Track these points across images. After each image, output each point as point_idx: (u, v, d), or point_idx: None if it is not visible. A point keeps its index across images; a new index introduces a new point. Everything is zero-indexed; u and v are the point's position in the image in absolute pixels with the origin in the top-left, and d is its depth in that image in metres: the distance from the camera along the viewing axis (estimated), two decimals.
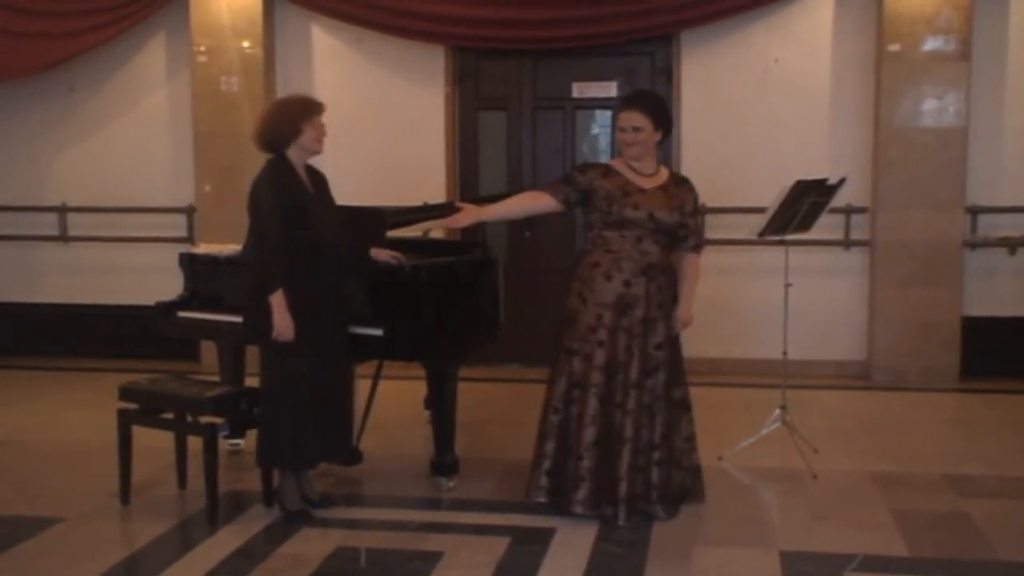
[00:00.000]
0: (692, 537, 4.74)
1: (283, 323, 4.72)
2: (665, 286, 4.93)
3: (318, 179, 5.03)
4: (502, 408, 7.06)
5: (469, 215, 5.12)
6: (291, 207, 4.77)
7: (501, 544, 4.64)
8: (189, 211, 8.59)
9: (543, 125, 8.31)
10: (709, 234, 7.86)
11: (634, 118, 4.87)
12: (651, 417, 4.90)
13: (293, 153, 4.88)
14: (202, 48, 8.29)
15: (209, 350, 7.19)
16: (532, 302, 7.67)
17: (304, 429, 4.86)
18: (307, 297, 4.78)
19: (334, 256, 4.92)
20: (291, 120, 4.86)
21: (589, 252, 4.94)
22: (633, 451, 4.86)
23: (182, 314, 5.78)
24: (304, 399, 4.84)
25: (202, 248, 6.34)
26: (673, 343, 4.99)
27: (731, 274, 7.80)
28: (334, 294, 4.96)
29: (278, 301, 4.70)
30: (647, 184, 4.91)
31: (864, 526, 4.87)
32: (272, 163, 4.89)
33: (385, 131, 8.36)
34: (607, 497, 4.85)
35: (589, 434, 4.83)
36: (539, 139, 8.34)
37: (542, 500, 4.96)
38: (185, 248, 6.69)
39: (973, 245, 7.75)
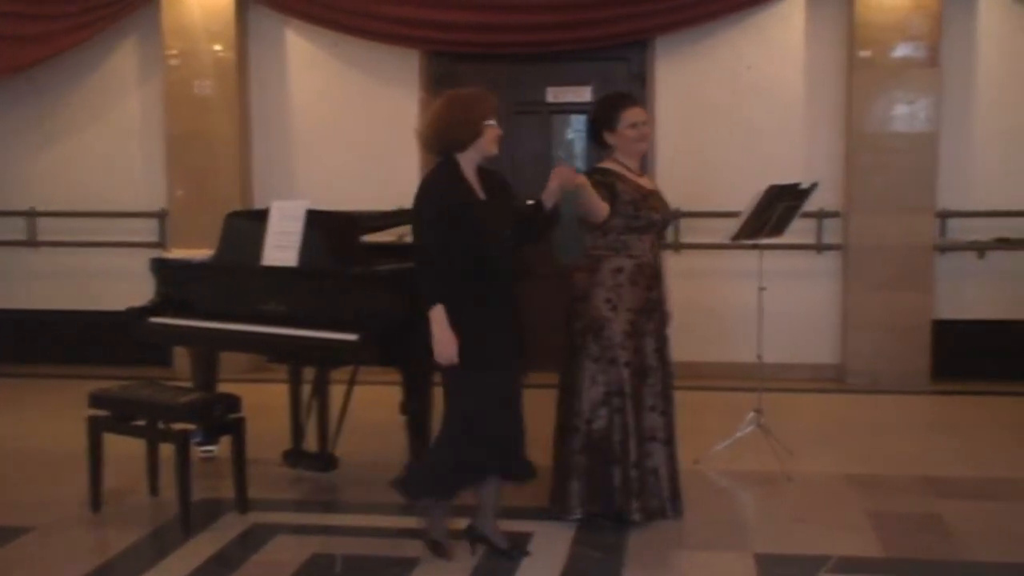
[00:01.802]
0: (669, 540, 4.74)
1: (444, 341, 4.28)
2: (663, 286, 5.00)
3: (493, 181, 4.51)
4: None
5: (565, 177, 4.53)
6: (458, 217, 4.30)
7: (478, 549, 4.62)
8: (161, 216, 8.54)
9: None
10: (684, 238, 7.90)
11: (643, 113, 4.90)
12: (672, 417, 4.97)
13: (465, 156, 4.39)
14: (174, 52, 8.25)
15: (182, 356, 7.15)
16: None
17: (477, 454, 4.48)
18: (481, 311, 4.35)
19: (504, 265, 4.44)
20: (472, 120, 4.34)
21: (606, 258, 4.82)
22: (669, 454, 4.91)
23: (154, 320, 5.72)
24: (483, 422, 4.44)
25: (174, 253, 6.31)
26: (668, 341, 5.03)
27: (706, 278, 7.82)
28: (508, 304, 4.46)
29: (438, 318, 4.28)
30: (648, 185, 4.93)
31: (839, 528, 4.89)
32: (440, 168, 4.42)
33: (360, 135, 8.34)
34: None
35: (635, 441, 4.81)
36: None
37: (578, 516, 4.83)
38: (157, 253, 6.66)
39: (943, 249, 7.81)
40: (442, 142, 4.39)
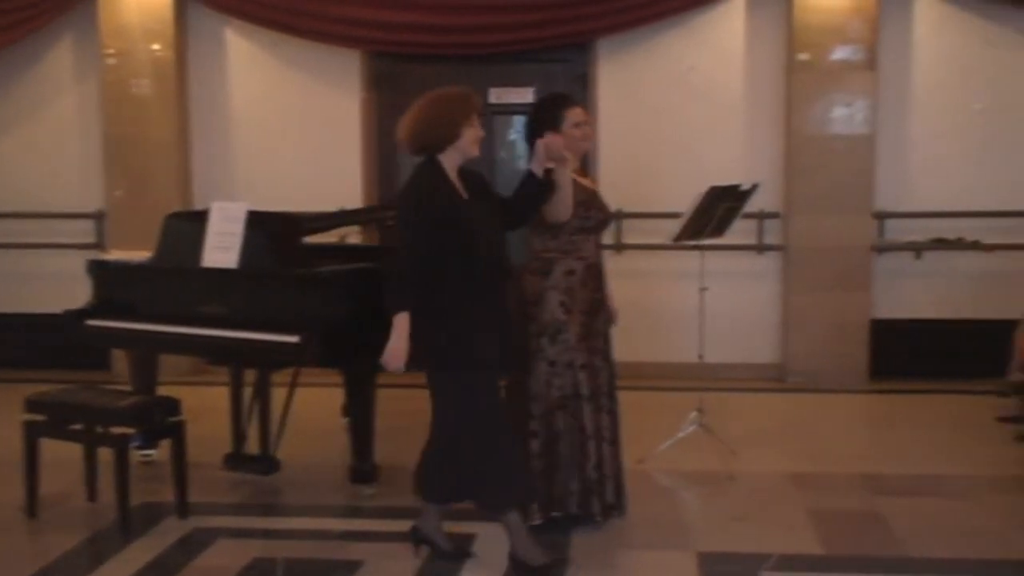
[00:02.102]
0: (612, 540, 4.76)
1: (398, 350, 4.21)
2: None
3: (474, 181, 4.46)
4: (421, 414, 6.99)
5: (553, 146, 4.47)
6: (442, 218, 4.21)
7: (421, 551, 4.60)
8: (98, 217, 8.42)
9: None
10: (626, 239, 7.93)
11: (585, 113, 4.90)
12: (616, 416, 4.99)
13: (447, 157, 4.32)
14: (111, 51, 8.14)
15: (120, 359, 7.06)
16: None
17: (519, 460, 4.44)
18: (471, 312, 4.25)
19: (492, 264, 4.35)
20: (451, 121, 4.28)
21: (558, 260, 4.78)
22: (614, 453, 4.91)
23: (92, 322, 5.64)
24: (497, 423, 4.37)
25: (112, 254, 6.23)
26: (611, 341, 5.04)
27: (648, 278, 7.86)
28: (497, 306, 4.39)
29: (401, 325, 4.19)
30: (590, 185, 4.93)
31: (780, 526, 4.94)
32: (421, 170, 4.31)
33: (301, 136, 8.29)
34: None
35: (594, 443, 4.80)
36: None
37: (538, 522, 4.71)
38: (95, 255, 6.57)
39: (881, 249, 7.91)
40: (422, 142, 4.31)
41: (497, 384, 4.44)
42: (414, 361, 4.28)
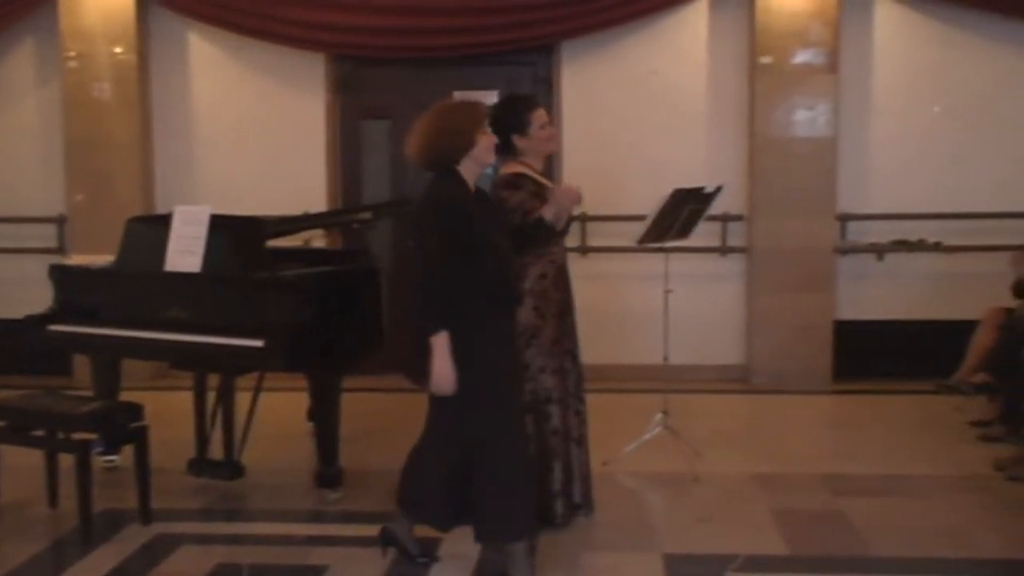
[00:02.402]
0: (578, 542, 4.77)
1: (446, 371, 4.02)
2: None
3: (482, 196, 4.32)
4: (386, 418, 7.01)
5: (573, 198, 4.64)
6: (470, 233, 4.06)
7: (388, 553, 4.59)
8: (60, 221, 8.35)
9: None
10: (590, 242, 7.95)
11: (546, 114, 4.89)
12: (584, 417, 5.00)
13: (464, 168, 4.15)
14: (73, 54, 8.08)
15: (83, 364, 7.00)
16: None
17: (531, 483, 4.31)
18: (503, 333, 4.18)
19: (512, 280, 4.31)
20: (464, 129, 4.14)
21: (532, 264, 4.76)
22: (581, 453, 4.93)
23: (53, 327, 5.59)
24: (522, 447, 4.29)
25: (74, 259, 6.18)
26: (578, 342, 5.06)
27: (612, 281, 7.89)
28: (511, 325, 4.33)
29: (441, 345, 4.01)
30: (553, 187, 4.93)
31: (745, 527, 4.96)
32: (444, 182, 4.14)
33: (265, 140, 8.25)
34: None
35: (564, 445, 4.81)
36: None
37: None
38: (56, 259, 6.51)
39: (844, 251, 7.97)
40: (436, 154, 4.14)
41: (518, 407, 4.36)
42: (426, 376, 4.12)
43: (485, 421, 4.14)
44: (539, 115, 4.81)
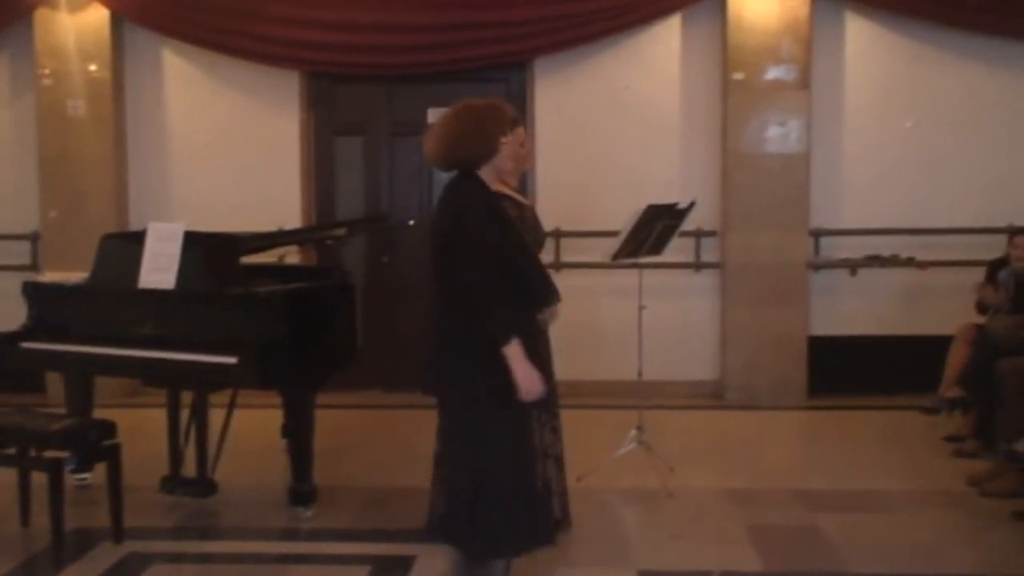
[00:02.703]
0: (553, 558, 4.73)
1: (530, 376, 3.73)
2: None
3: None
4: (361, 435, 7.00)
5: None
6: (506, 231, 3.86)
7: (361, 573, 4.59)
8: (33, 238, 8.31)
9: (400, 150, 8.30)
10: (564, 258, 7.96)
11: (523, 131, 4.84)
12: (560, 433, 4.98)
13: (484, 174, 3.93)
14: (47, 71, 8.06)
15: (56, 382, 6.96)
16: (391, 327, 7.65)
17: (532, 504, 3.97)
18: (529, 342, 3.84)
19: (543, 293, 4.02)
20: (488, 134, 3.91)
21: None
22: (559, 469, 4.91)
23: (26, 345, 5.56)
24: (531, 464, 4.02)
25: (48, 276, 6.15)
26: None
27: (586, 297, 7.89)
28: (536, 338, 4.07)
29: (516, 352, 3.70)
30: (528, 203, 4.92)
31: (719, 542, 4.97)
32: (469, 184, 3.90)
33: (239, 156, 8.24)
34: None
35: (541, 462, 4.73)
36: (396, 164, 8.32)
37: None
38: (30, 276, 6.48)
39: (817, 267, 8.01)
40: (458, 158, 3.92)
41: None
42: (438, 389, 3.93)
43: (506, 431, 3.87)
44: (519, 132, 4.76)
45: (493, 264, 3.74)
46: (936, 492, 5.74)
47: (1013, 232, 7.00)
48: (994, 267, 6.92)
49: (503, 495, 3.83)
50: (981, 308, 6.84)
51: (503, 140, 3.93)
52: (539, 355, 3.89)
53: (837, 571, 4.64)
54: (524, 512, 3.92)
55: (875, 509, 5.49)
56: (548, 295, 3.99)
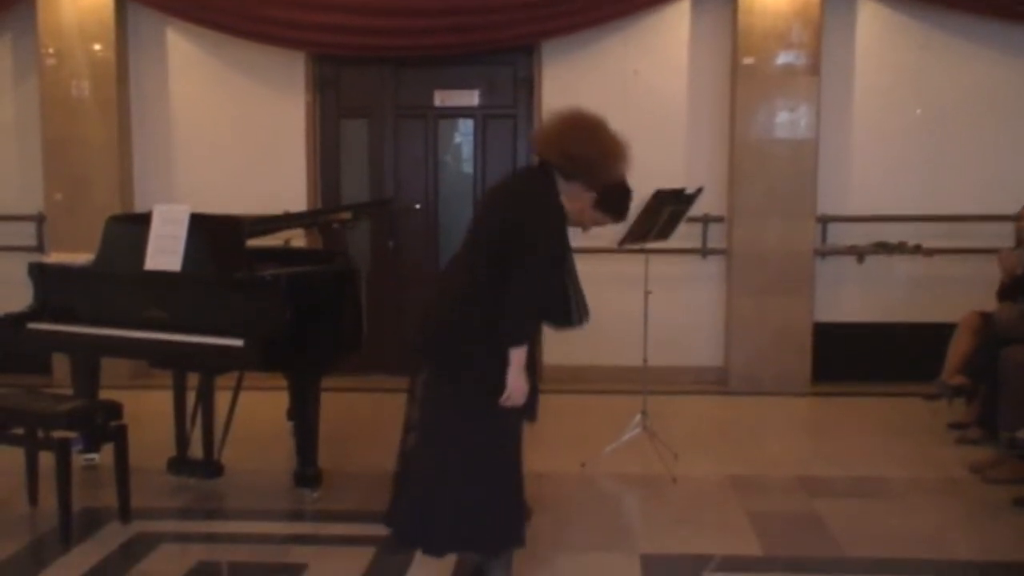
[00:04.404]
0: (555, 543, 4.77)
1: (519, 387, 3.76)
2: None
3: None
4: (366, 419, 7.01)
5: None
6: (567, 253, 3.92)
7: (366, 555, 4.60)
8: (39, 219, 8.32)
9: (405, 133, 8.30)
10: (571, 243, 7.93)
11: None
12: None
13: (560, 185, 3.87)
14: (51, 51, 8.04)
15: (62, 363, 6.97)
16: (396, 312, 7.67)
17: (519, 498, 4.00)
18: (531, 352, 3.86)
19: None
20: (609, 172, 3.90)
21: None
22: None
23: (32, 326, 5.57)
24: (518, 463, 3.99)
25: (53, 257, 6.15)
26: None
27: (592, 283, 7.71)
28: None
29: (519, 359, 3.73)
30: None
31: (721, 528, 4.99)
32: (544, 180, 3.84)
33: (244, 139, 8.24)
34: None
35: None
36: (401, 147, 8.32)
37: None
38: (35, 258, 6.49)
39: (824, 254, 8.00)
40: (565, 162, 3.85)
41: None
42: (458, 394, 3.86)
43: (502, 428, 3.90)
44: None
45: (550, 272, 3.76)
46: (938, 479, 5.75)
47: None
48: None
49: (508, 487, 3.90)
50: (1004, 290, 6.64)
51: (600, 184, 3.90)
52: (534, 364, 3.90)
53: (838, 557, 4.65)
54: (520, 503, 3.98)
55: (877, 496, 5.50)
56: (580, 316, 4.02)
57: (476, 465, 3.85)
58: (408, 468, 4.03)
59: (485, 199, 3.99)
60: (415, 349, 4.03)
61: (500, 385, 3.76)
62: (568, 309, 4.00)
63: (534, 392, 3.90)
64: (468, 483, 3.84)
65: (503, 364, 3.73)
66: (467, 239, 3.97)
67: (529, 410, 3.95)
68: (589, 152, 3.84)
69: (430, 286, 4.22)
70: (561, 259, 3.92)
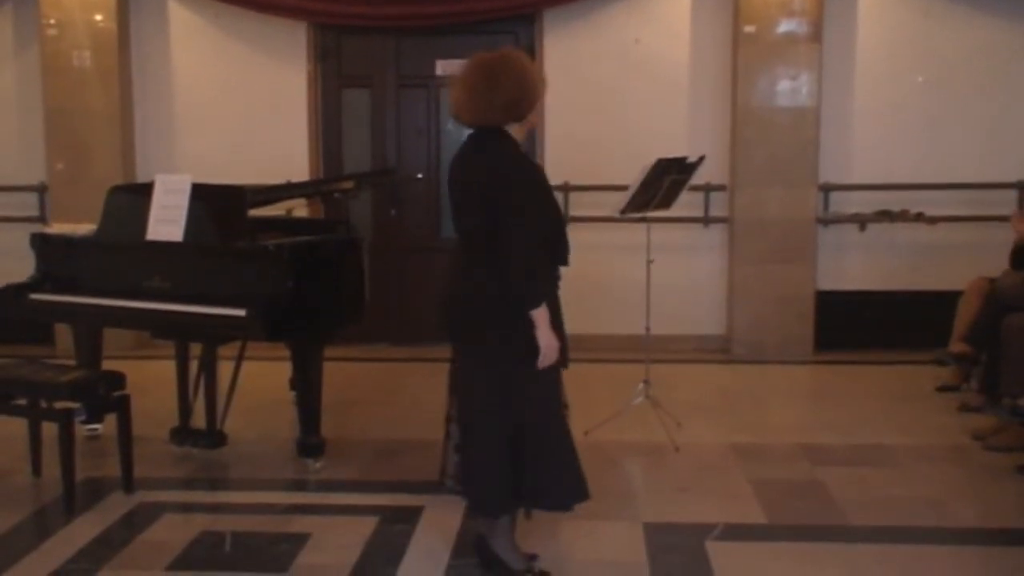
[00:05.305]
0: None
1: (551, 344, 3.75)
2: None
3: None
4: (369, 388, 7.03)
5: None
6: (549, 198, 3.85)
7: (369, 524, 4.62)
8: (40, 189, 8.31)
9: (407, 103, 8.27)
10: (573, 212, 7.94)
11: None
12: None
13: (514, 132, 3.84)
14: (52, 21, 8.01)
15: (64, 334, 6.98)
16: (399, 281, 7.67)
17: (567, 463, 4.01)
18: (554, 306, 3.84)
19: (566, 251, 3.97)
20: (527, 91, 3.77)
21: None
22: None
23: (35, 296, 5.57)
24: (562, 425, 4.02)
25: (55, 228, 6.15)
26: None
27: (594, 251, 7.87)
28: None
29: (543, 318, 3.72)
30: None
31: (724, 496, 5.00)
32: (505, 142, 3.80)
33: (246, 109, 8.22)
34: None
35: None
36: (403, 117, 8.29)
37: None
38: (37, 228, 6.48)
39: (826, 222, 7.99)
40: (493, 116, 3.79)
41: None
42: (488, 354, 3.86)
43: (547, 390, 3.92)
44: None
45: (538, 225, 3.72)
46: (941, 447, 5.76)
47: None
48: None
49: (558, 446, 3.94)
50: (1017, 256, 6.57)
51: (536, 101, 3.83)
52: (558, 316, 3.87)
53: (841, 524, 4.66)
54: (575, 460, 4.02)
55: (880, 463, 5.51)
56: (562, 256, 3.96)
57: (539, 427, 3.91)
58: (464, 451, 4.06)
59: (462, 182, 3.89)
60: (446, 337, 4.03)
61: (530, 346, 3.74)
62: (565, 252, 3.96)
63: (563, 339, 3.88)
64: (543, 442, 3.91)
65: (527, 324, 3.72)
66: (459, 225, 3.94)
67: (562, 358, 3.92)
68: (515, 94, 3.76)
69: (442, 273, 4.19)
70: (556, 210, 3.93)
